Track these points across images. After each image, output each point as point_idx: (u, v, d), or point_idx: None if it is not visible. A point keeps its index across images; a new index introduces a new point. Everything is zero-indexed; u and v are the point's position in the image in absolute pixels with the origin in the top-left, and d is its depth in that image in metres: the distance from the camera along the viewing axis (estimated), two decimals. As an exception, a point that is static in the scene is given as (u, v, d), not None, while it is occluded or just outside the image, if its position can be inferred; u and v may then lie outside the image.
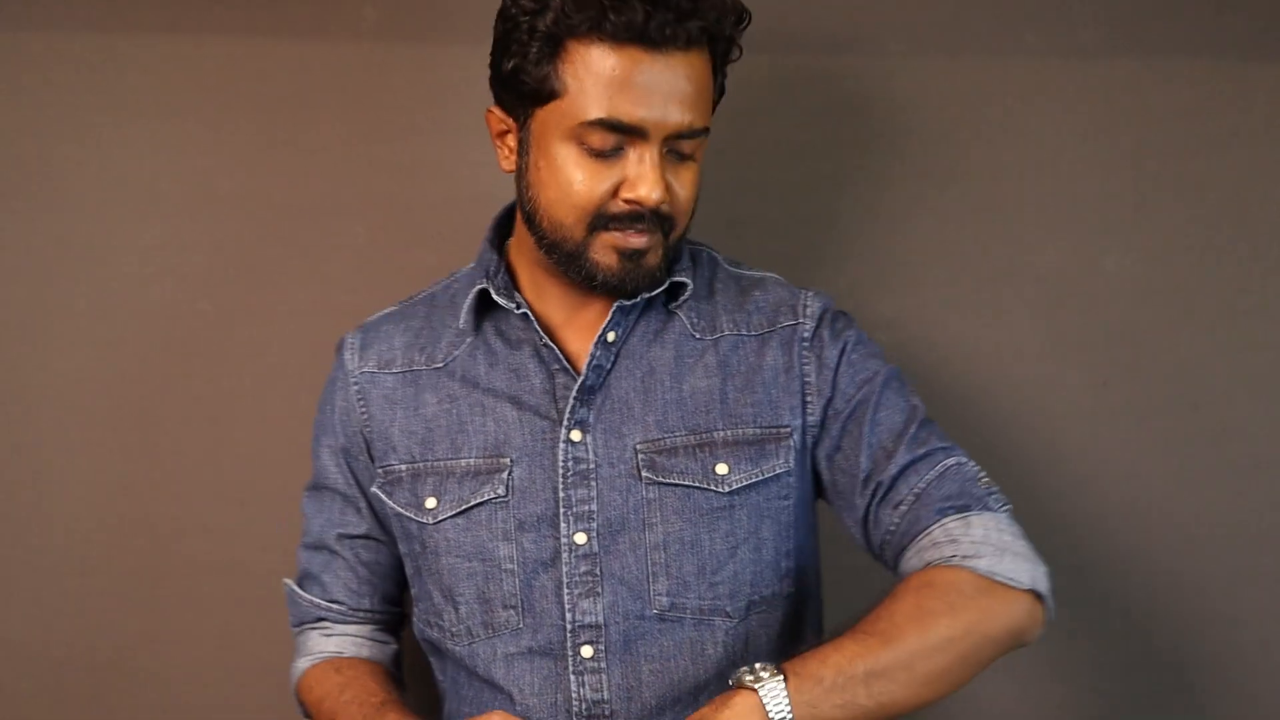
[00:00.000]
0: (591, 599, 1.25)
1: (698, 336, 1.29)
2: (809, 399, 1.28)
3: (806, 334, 1.29)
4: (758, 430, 1.26)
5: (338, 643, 1.39)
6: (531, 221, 1.25)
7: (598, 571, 1.25)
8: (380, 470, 1.33)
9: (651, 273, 1.24)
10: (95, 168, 1.62)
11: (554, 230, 1.23)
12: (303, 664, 1.39)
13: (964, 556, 1.18)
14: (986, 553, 1.18)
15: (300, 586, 1.41)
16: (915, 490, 1.23)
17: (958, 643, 1.14)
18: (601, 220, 1.21)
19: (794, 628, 1.30)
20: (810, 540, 1.33)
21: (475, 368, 1.31)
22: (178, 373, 1.64)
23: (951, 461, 1.25)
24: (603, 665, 1.24)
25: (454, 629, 1.29)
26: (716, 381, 1.28)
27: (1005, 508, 1.23)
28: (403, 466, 1.31)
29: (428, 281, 1.43)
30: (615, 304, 1.26)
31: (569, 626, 1.25)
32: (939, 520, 1.21)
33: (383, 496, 1.32)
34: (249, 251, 1.63)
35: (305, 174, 1.62)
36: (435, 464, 1.30)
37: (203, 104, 1.62)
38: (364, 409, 1.34)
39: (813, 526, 1.34)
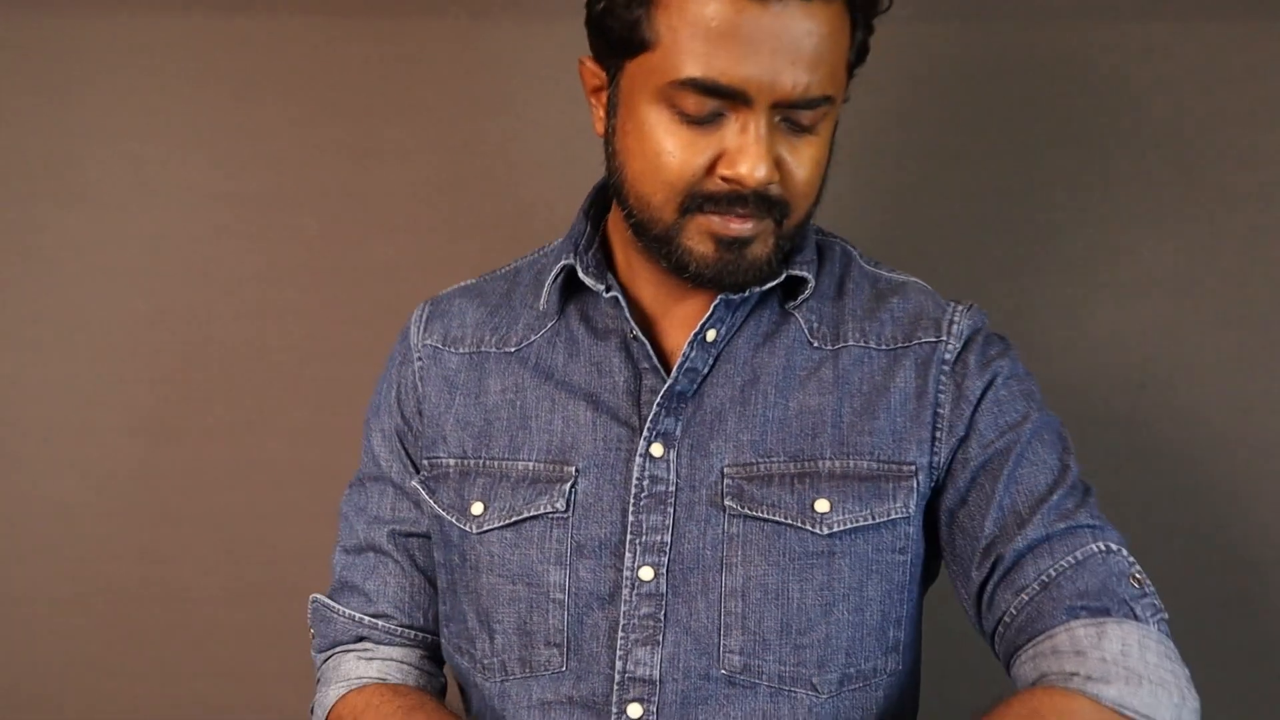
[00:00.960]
0: (649, 648, 1.05)
1: (815, 345, 1.09)
2: (939, 435, 1.07)
3: (948, 355, 1.09)
4: (874, 464, 1.06)
5: (381, 668, 1.17)
6: (619, 195, 1.06)
7: (661, 616, 1.05)
8: (426, 461, 1.15)
9: (758, 266, 1.04)
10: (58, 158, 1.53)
11: (641, 208, 1.04)
12: (334, 692, 1.16)
13: (1088, 678, 0.96)
14: (1118, 676, 0.96)
15: (335, 600, 1.19)
16: (1045, 576, 1.02)
17: None
18: (696, 200, 1.01)
19: (894, 716, 1.09)
20: (919, 610, 1.12)
21: (552, 356, 1.13)
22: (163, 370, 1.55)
23: (1098, 547, 1.02)
24: None
25: (486, 660, 1.10)
26: (831, 400, 1.07)
27: (1158, 617, 1.00)
28: (451, 461, 1.13)
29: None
30: (719, 297, 1.07)
31: (618, 678, 1.05)
32: (1067, 623, 0.99)
33: (423, 492, 1.14)
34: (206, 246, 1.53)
35: (256, 159, 1.53)
36: (489, 463, 1.12)
37: (182, 87, 1.52)
38: (422, 387, 1.16)
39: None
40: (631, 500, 1.06)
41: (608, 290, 1.10)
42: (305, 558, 1.43)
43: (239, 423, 1.55)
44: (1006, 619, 1.03)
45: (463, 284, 1.22)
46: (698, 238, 1.02)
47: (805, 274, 1.09)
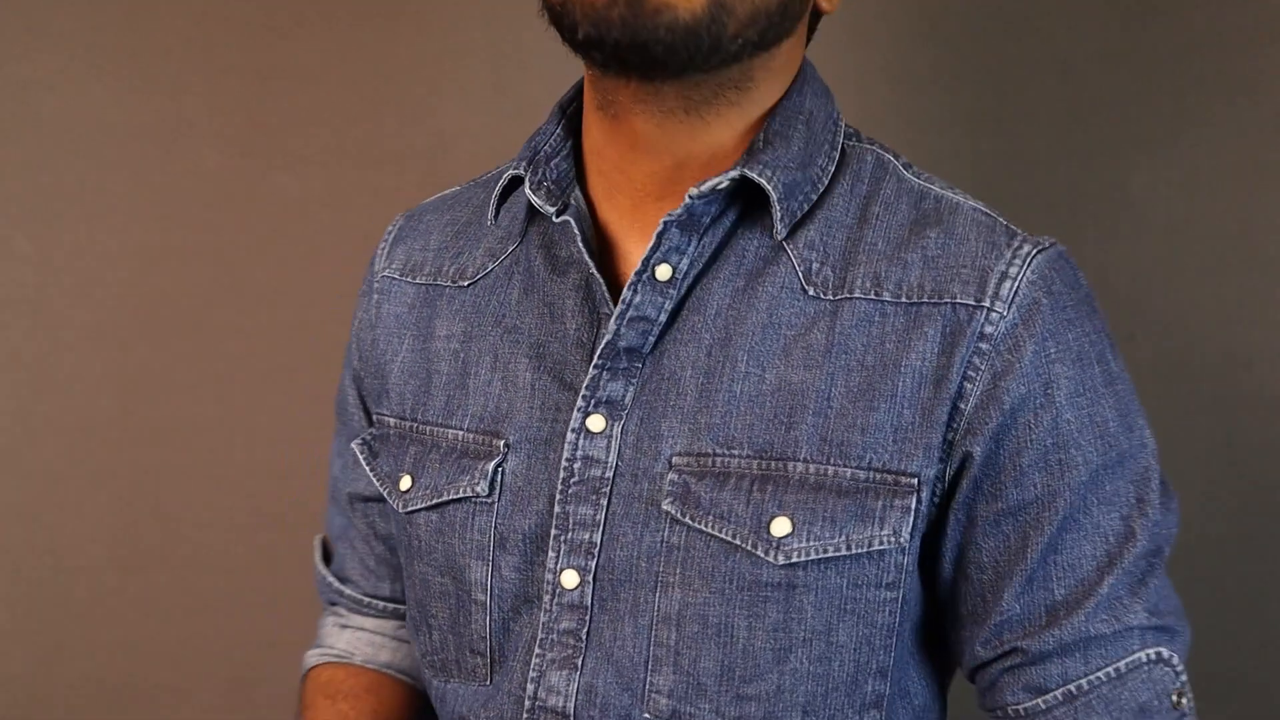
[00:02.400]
0: (565, 673, 0.86)
1: (811, 292, 0.83)
2: (953, 438, 0.81)
3: (989, 329, 0.80)
4: (862, 473, 0.81)
5: (350, 639, 1.05)
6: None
7: (584, 635, 0.85)
8: (375, 416, 0.98)
9: (669, 16, 0.76)
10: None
11: None
12: (310, 657, 1.06)
13: None
14: None
15: (325, 550, 1.08)
16: (1073, 686, 0.82)
17: None
18: None
19: None
20: (925, 657, 0.89)
21: (507, 292, 0.91)
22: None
23: (1145, 656, 0.83)
24: None
25: (429, 657, 0.94)
26: (819, 376, 0.82)
27: None
28: (392, 421, 0.95)
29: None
30: (663, 220, 0.83)
31: (528, 703, 0.87)
32: None
33: (361, 457, 0.97)
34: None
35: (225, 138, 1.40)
36: (423, 428, 0.93)
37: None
38: (374, 328, 0.98)
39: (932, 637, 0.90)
40: (559, 485, 0.85)
41: (558, 213, 0.86)
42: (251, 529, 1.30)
43: (192, 386, 1.44)
44: (1011, 713, 0.85)
45: (448, 191, 1.02)
46: None
47: (760, 180, 0.81)
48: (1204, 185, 1.32)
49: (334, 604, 1.07)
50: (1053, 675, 0.82)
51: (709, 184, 0.81)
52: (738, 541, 0.81)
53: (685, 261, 0.83)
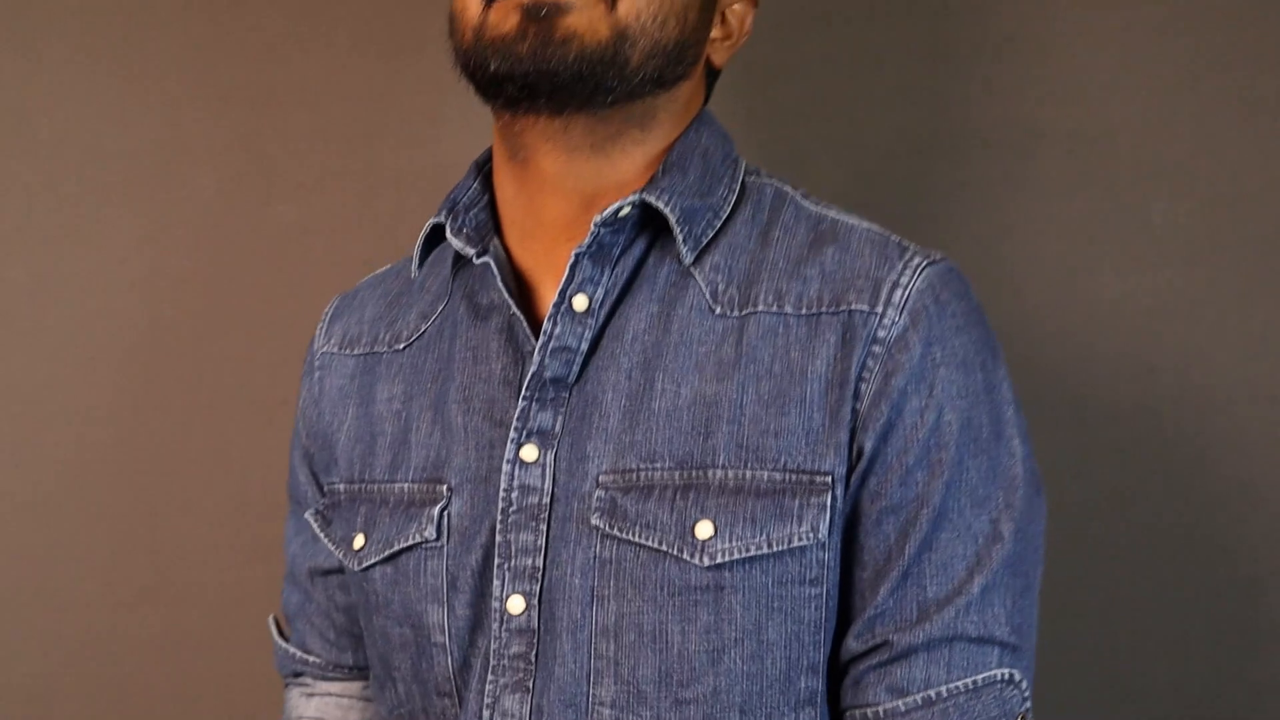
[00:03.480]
0: (518, 696, 0.89)
1: (718, 311, 0.89)
2: (854, 437, 0.87)
3: (881, 333, 0.86)
4: (778, 474, 0.86)
5: (319, 705, 1.09)
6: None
7: (533, 657, 0.89)
8: (326, 487, 1.03)
9: (578, 40, 0.84)
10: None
11: (457, 22, 0.88)
12: None
13: None
14: None
15: (283, 627, 1.12)
16: (933, 692, 0.86)
17: None
18: None
19: None
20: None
21: (440, 348, 0.97)
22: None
23: (1001, 675, 0.87)
24: None
25: (397, 710, 0.97)
26: (730, 388, 0.87)
27: None
28: (341, 486, 1.00)
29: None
30: (574, 253, 0.89)
31: None
32: None
33: (314, 526, 1.02)
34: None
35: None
36: (371, 486, 0.97)
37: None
38: (318, 403, 1.04)
39: None
40: (499, 515, 0.90)
41: (478, 255, 0.93)
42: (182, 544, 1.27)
43: (134, 404, 1.42)
44: (870, 714, 0.88)
45: (382, 269, 1.09)
46: (502, 13, 0.85)
47: (658, 204, 0.89)
48: (1226, 212, 1.29)
49: (298, 675, 1.10)
50: (916, 679, 0.86)
51: (610, 210, 0.88)
52: (664, 548, 0.86)
53: (600, 291, 0.90)
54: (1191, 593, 1.29)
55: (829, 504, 0.85)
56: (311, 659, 1.09)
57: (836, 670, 0.90)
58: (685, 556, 0.85)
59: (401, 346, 0.99)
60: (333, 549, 0.99)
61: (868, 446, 0.86)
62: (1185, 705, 1.31)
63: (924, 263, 0.89)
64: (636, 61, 0.86)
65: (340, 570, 1.05)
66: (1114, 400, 1.30)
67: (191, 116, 1.39)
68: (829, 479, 0.86)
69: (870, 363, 0.86)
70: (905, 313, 0.86)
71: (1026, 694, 0.88)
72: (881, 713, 0.87)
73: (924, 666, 0.86)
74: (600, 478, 0.88)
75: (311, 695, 1.09)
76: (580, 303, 0.89)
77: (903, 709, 0.86)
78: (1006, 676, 0.87)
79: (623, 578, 0.87)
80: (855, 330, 0.86)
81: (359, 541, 0.97)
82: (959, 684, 0.86)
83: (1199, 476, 1.29)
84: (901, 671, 0.86)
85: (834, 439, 0.86)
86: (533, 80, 0.84)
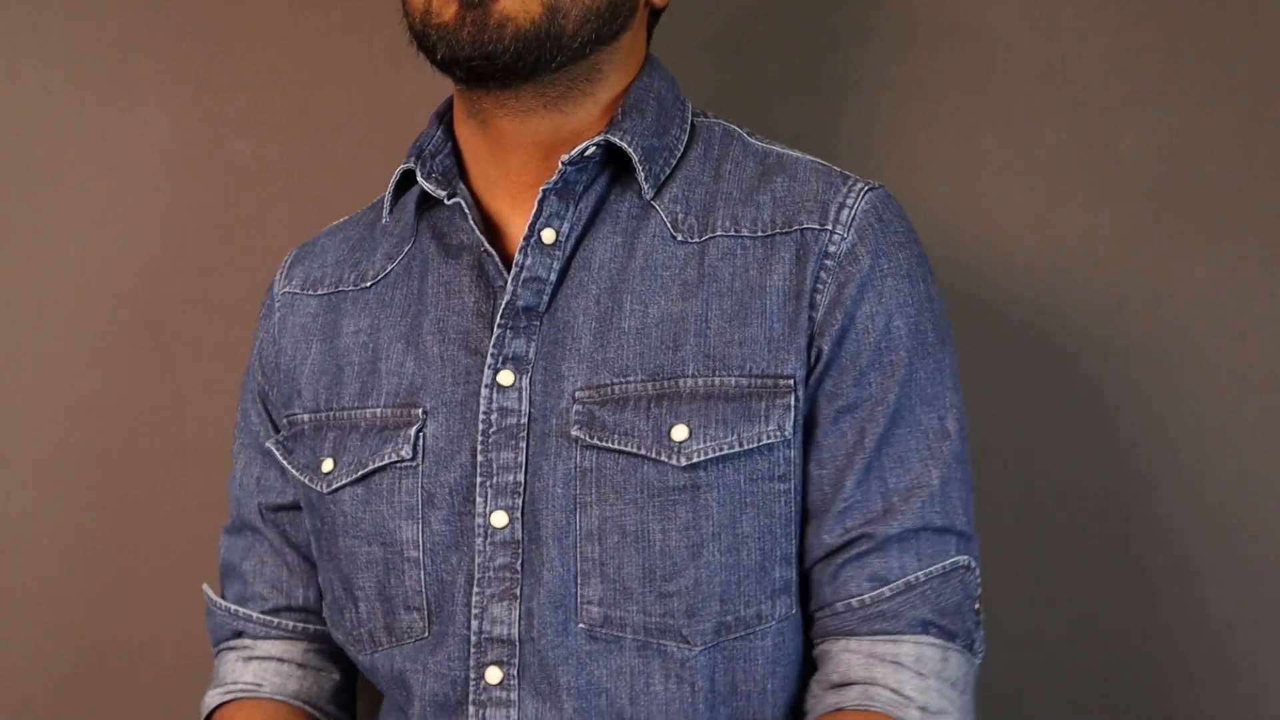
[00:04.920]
0: (506, 604, 0.97)
1: (680, 238, 0.98)
2: (808, 341, 0.96)
3: (833, 248, 0.96)
4: (744, 380, 0.95)
5: (257, 670, 1.11)
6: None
7: (519, 566, 0.97)
8: (286, 420, 1.08)
9: (514, 24, 0.93)
10: None
11: (409, 10, 0.98)
12: (212, 697, 1.11)
13: (925, 709, 0.94)
14: (953, 712, 0.95)
15: (221, 584, 1.14)
16: (910, 578, 0.95)
17: None
18: None
19: (801, 667, 0.99)
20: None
21: (408, 285, 1.04)
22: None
23: (963, 562, 0.97)
24: (512, 697, 0.97)
25: (355, 632, 1.03)
26: (695, 305, 0.96)
27: (980, 654, 1.00)
28: (306, 416, 1.06)
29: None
30: (541, 189, 0.97)
31: (474, 639, 0.97)
32: (916, 636, 0.96)
33: (277, 454, 1.07)
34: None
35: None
36: (339, 414, 1.04)
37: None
38: (278, 340, 1.09)
39: None
40: (480, 437, 0.98)
41: (450, 196, 1.00)
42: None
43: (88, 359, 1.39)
44: (855, 604, 0.96)
45: (338, 221, 1.15)
46: (442, 2, 0.94)
47: (622, 144, 0.97)
48: (1195, 145, 1.28)
49: (237, 634, 1.12)
50: (893, 568, 0.95)
51: (577, 150, 0.96)
52: (643, 452, 0.94)
53: (566, 225, 0.98)
54: (1160, 527, 1.30)
55: (792, 404, 0.94)
56: (255, 614, 1.11)
57: (804, 566, 0.98)
58: (663, 459, 0.94)
59: (368, 285, 1.05)
60: (297, 475, 1.04)
61: (825, 349, 0.95)
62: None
63: (865, 188, 0.99)
64: (571, 30, 0.94)
65: (293, 506, 1.09)
66: (1082, 335, 1.30)
67: (144, 53, 1.37)
68: (791, 381, 0.95)
69: (824, 275, 0.95)
70: (853, 230, 0.96)
71: (979, 580, 0.99)
72: (867, 600, 0.95)
73: (899, 555, 0.95)
74: (576, 394, 0.96)
75: (250, 659, 1.11)
76: (548, 236, 0.97)
77: (887, 594, 0.95)
78: (966, 563, 0.97)
79: (604, 484, 0.95)
80: (808, 246, 0.96)
81: (327, 465, 1.02)
82: (931, 569, 0.95)
83: (1168, 411, 1.29)
84: (880, 562, 0.95)
85: (793, 344, 0.95)
86: (476, 65, 0.93)
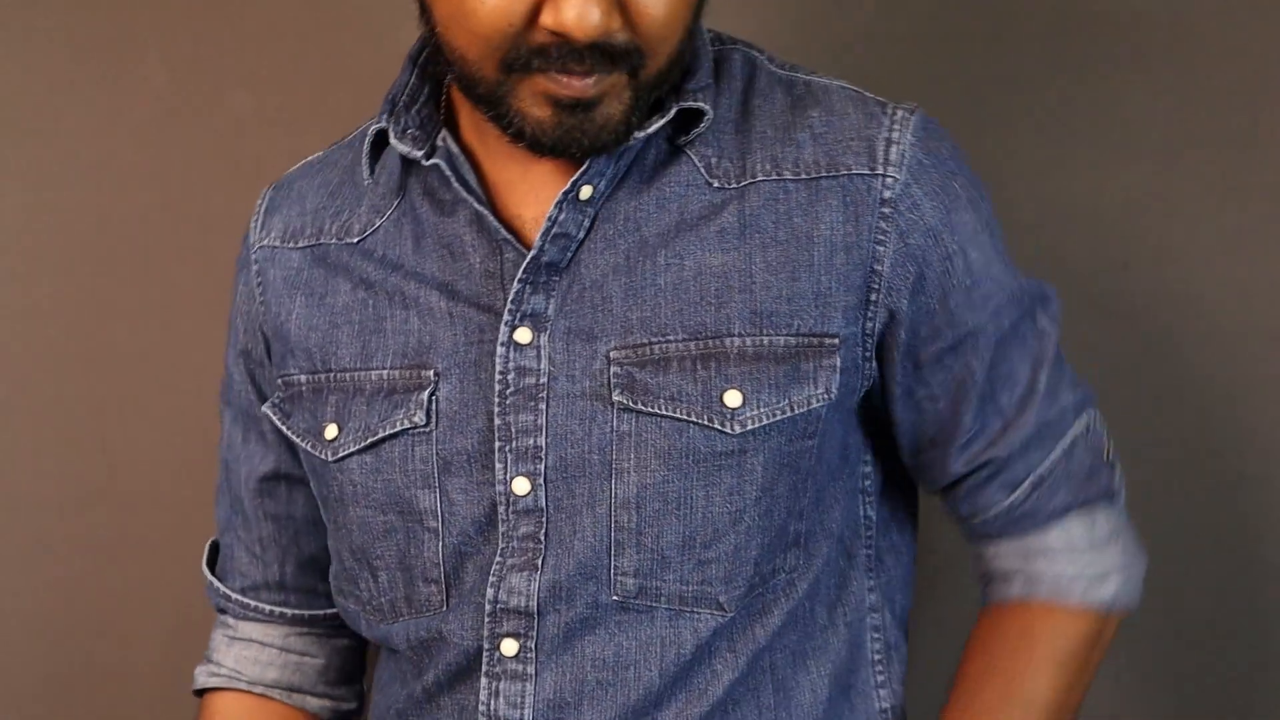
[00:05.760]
0: (525, 574, 0.91)
1: (716, 184, 0.91)
2: (874, 299, 0.91)
3: (887, 193, 0.90)
4: (792, 339, 0.90)
5: (238, 655, 1.09)
6: (436, 45, 0.90)
7: (542, 536, 0.91)
8: (281, 381, 1.01)
9: (612, 127, 0.86)
10: None
11: (458, 64, 0.87)
12: (201, 675, 1.10)
13: (1089, 580, 0.98)
14: (1111, 570, 0.99)
15: (213, 555, 1.11)
16: (1037, 473, 0.97)
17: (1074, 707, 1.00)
18: (522, 57, 0.83)
19: (804, 623, 0.96)
20: (841, 492, 0.98)
21: (400, 244, 0.97)
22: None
23: (1081, 427, 0.99)
24: (529, 670, 0.92)
25: (375, 602, 0.98)
26: (737, 257, 0.90)
27: (1122, 494, 1.02)
28: (303, 378, 0.99)
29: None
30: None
31: (489, 609, 0.92)
32: (1059, 521, 0.98)
33: (275, 419, 1.01)
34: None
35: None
36: (340, 376, 0.97)
37: None
38: (262, 295, 1.02)
39: (855, 470, 1.00)
40: (496, 398, 0.91)
41: (427, 157, 0.93)
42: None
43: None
44: (993, 513, 0.99)
45: (310, 158, 1.07)
46: (531, 100, 0.85)
47: (701, 105, 0.91)
48: (1202, 105, 1.27)
49: (221, 611, 1.09)
50: (1018, 470, 0.96)
51: (654, 126, 0.89)
52: (692, 418, 0.89)
53: (604, 182, 0.90)
54: (1170, 490, 1.29)
55: (837, 365, 0.90)
56: (233, 594, 1.08)
57: (930, 487, 1.01)
58: (715, 425, 0.89)
59: (355, 240, 0.98)
60: (298, 441, 0.98)
61: (905, 305, 0.91)
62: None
63: (906, 115, 0.92)
64: (659, 93, 0.89)
65: (274, 475, 1.05)
66: (1087, 297, 1.29)
67: (144, 3, 1.36)
68: (836, 340, 0.90)
69: (883, 225, 0.90)
70: (905, 169, 0.90)
71: (1102, 427, 1.00)
72: (1003, 507, 0.98)
73: (1023, 459, 0.96)
74: (611, 354, 0.90)
75: (233, 640, 1.09)
76: (586, 192, 0.90)
77: (1020, 498, 0.97)
78: (1084, 426, 0.98)
79: (644, 449, 0.89)
80: (859, 194, 0.90)
81: (331, 432, 0.96)
82: (1053, 456, 0.96)
83: (1174, 374, 1.28)
84: (1008, 473, 0.97)
85: (843, 301, 0.90)
86: (560, 152, 0.87)
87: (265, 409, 1.02)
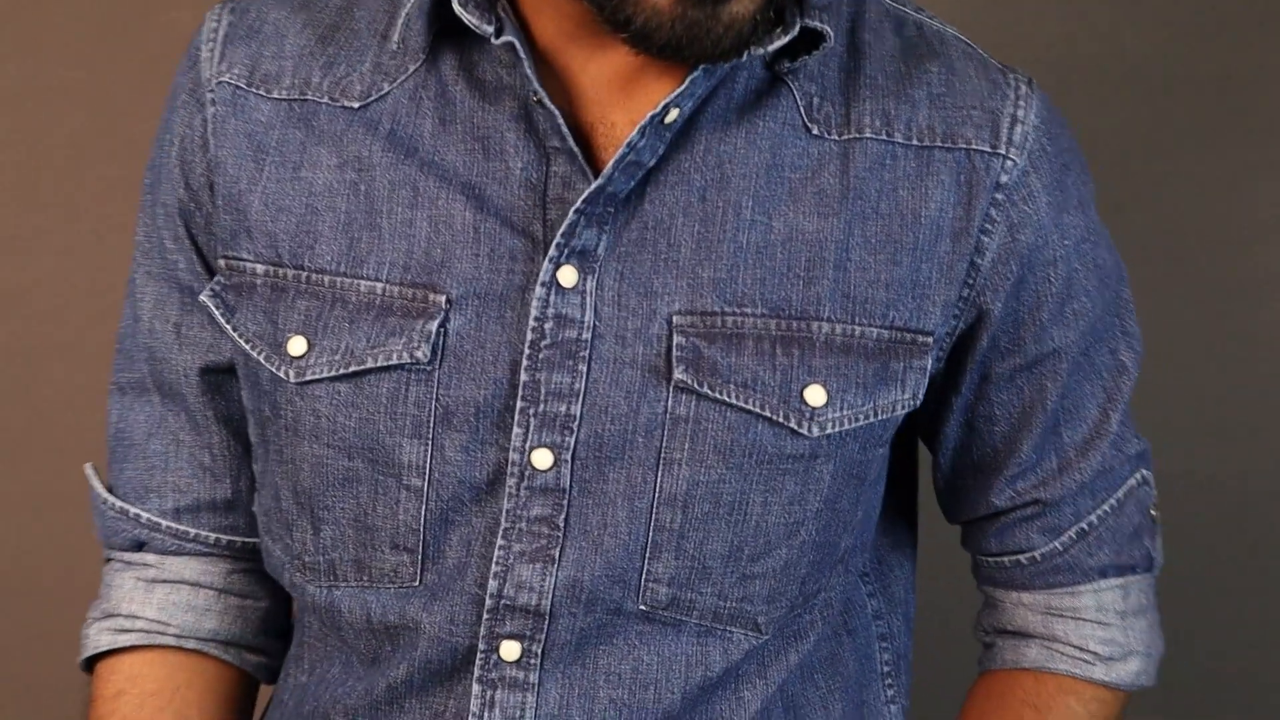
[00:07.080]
0: (539, 566, 0.77)
1: (815, 131, 0.77)
2: (966, 294, 0.79)
3: (1005, 178, 0.78)
4: (885, 332, 0.77)
5: (162, 602, 0.86)
6: None
7: (561, 522, 0.77)
8: (223, 261, 0.81)
9: (738, 28, 0.70)
10: None
11: None
12: (97, 636, 0.86)
13: (1113, 655, 0.87)
14: (1137, 658, 0.88)
15: (110, 470, 0.88)
16: (1084, 523, 0.86)
17: None
18: None
19: (831, 648, 0.87)
20: (876, 502, 0.87)
21: (416, 121, 0.78)
22: None
23: (1135, 480, 0.87)
24: (531, 679, 0.79)
25: (308, 557, 0.82)
26: (835, 226, 0.76)
27: (1159, 565, 0.91)
28: (259, 267, 0.80)
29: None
30: (698, 66, 0.74)
31: (489, 602, 0.78)
32: (1094, 584, 0.87)
33: (215, 310, 0.81)
34: None
35: None
36: (316, 277, 0.79)
37: None
38: (216, 145, 0.81)
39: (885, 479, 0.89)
40: (526, 349, 0.76)
41: (497, 34, 0.74)
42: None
43: None
44: (1024, 560, 0.87)
45: None
46: None
47: (824, 26, 0.74)
48: (1196, 40, 1.27)
49: (137, 545, 0.87)
50: (1066, 516, 0.85)
51: (774, 46, 0.73)
52: (766, 412, 0.76)
53: (691, 103, 0.74)
54: (1164, 440, 1.27)
55: (928, 367, 0.78)
56: (162, 522, 0.86)
57: (955, 518, 0.91)
58: (791, 424, 0.76)
59: (356, 105, 0.78)
60: (244, 345, 0.80)
61: (997, 307, 0.79)
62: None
63: (1028, 90, 0.79)
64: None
65: (228, 369, 0.85)
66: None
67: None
68: (930, 340, 0.78)
69: (994, 213, 0.77)
70: (1026, 154, 0.78)
71: (1152, 484, 0.89)
72: (1038, 556, 0.87)
73: (1073, 504, 0.85)
74: (674, 319, 0.75)
75: (154, 583, 0.87)
76: (672, 115, 0.74)
77: (1060, 548, 0.86)
78: (1139, 480, 0.87)
79: (701, 440, 0.76)
80: (977, 175, 0.77)
81: (297, 346, 0.78)
82: (1104, 508, 0.86)
83: (1167, 316, 1.26)
84: (1054, 516, 0.86)
85: (942, 296, 0.78)
86: (674, 53, 0.71)
87: (203, 298, 0.82)
